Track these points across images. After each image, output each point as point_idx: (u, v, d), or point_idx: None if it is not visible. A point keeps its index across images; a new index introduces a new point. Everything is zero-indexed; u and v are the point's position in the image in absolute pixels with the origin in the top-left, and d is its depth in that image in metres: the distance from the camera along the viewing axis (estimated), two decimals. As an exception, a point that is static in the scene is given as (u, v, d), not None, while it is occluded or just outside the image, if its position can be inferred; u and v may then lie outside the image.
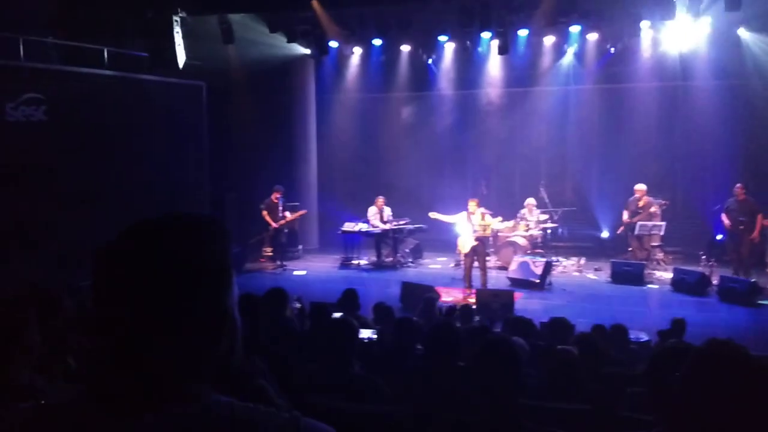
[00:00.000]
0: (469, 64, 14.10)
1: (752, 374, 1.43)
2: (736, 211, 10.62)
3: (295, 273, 12.20)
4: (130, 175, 10.29)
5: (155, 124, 10.87)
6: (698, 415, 1.44)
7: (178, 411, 0.96)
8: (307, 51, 13.83)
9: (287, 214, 12.39)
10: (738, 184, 10.72)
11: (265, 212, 12.23)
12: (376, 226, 12.60)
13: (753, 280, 9.82)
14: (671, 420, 1.47)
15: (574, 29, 12.03)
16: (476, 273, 10.34)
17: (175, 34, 10.96)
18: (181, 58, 11.13)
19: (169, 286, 0.97)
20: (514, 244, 12.14)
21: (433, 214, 10.93)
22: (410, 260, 12.90)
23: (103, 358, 1.00)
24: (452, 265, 12.13)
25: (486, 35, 12.54)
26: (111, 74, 10.21)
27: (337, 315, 4.88)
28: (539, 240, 12.43)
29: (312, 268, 12.64)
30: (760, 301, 9.61)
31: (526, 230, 12.38)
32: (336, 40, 12.96)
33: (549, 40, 13.16)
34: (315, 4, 10.91)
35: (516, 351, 2.65)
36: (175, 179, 11.19)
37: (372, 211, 12.76)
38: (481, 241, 10.32)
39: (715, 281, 10.29)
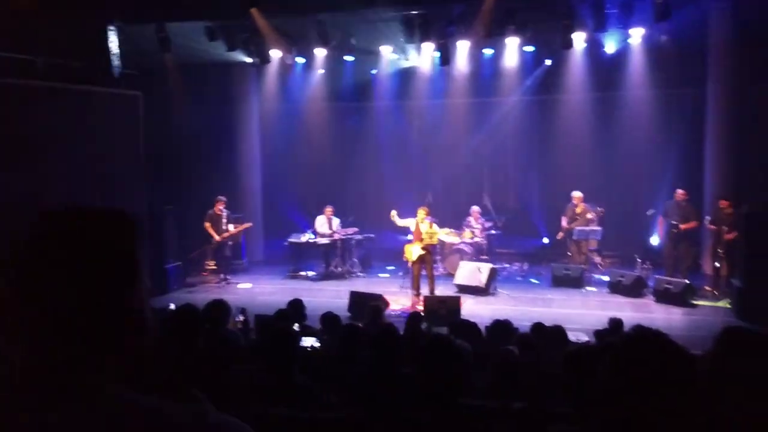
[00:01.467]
0: (411, 75, 14.27)
1: (674, 357, 1.49)
2: (674, 215, 11.04)
3: (240, 286, 11.98)
4: (63, 188, 9.92)
5: (89, 135, 10.56)
6: (621, 400, 1.48)
7: (81, 404, 0.95)
8: (249, 59, 13.70)
9: (231, 226, 12.18)
10: (680, 190, 11.11)
11: (207, 224, 11.97)
12: (324, 236, 12.55)
13: (687, 281, 10.20)
14: (592, 409, 1.51)
15: (512, 41, 12.35)
16: (424, 280, 10.42)
17: (110, 44, 10.69)
18: (117, 67, 10.86)
19: (72, 276, 0.96)
20: (460, 251, 12.30)
21: (393, 215, 10.79)
22: (359, 270, 12.89)
23: (7, 350, 0.98)
24: (401, 273, 12.18)
25: (427, 46, 12.73)
26: (44, 85, 9.87)
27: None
28: (484, 247, 12.64)
29: (258, 281, 12.44)
30: (694, 301, 10.01)
31: (472, 238, 12.58)
32: (278, 49, 12.89)
33: (488, 52, 13.46)
34: (254, 12, 10.82)
35: (459, 350, 2.68)
36: (111, 192, 10.85)
37: (320, 221, 12.70)
38: (428, 249, 10.43)
39: (650, 283, 10.67)
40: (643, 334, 1.53)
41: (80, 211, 1.02)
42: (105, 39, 10.67)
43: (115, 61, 10.82)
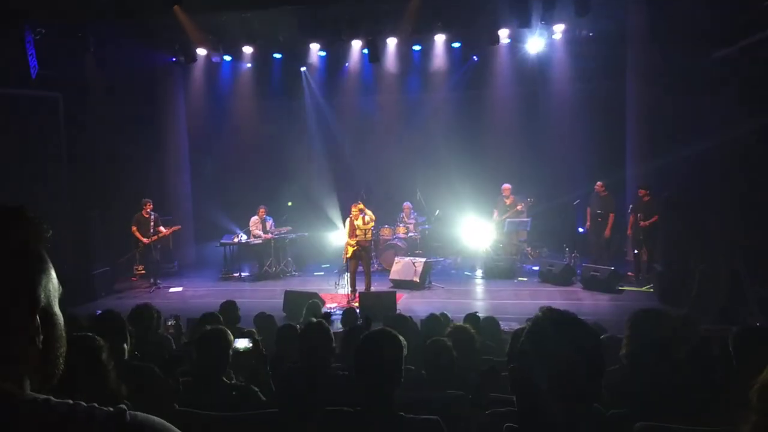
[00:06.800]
0: (341, 72, 14.24)
1: (577, 329, 1.55)
2: (595, 206, 11.45)
3: (171, 290, 11.64)
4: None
5: (6, 139, 10.04)
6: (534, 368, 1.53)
7: None
8: (174, 58, 13.30)
9: (161, 228, 11.80)
10: (599, 182, 11.52)
11: (134, 228, 11.56)
12: (258, 237, 12.35)
13: (612, 268, 10.61)
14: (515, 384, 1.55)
15: (439, 38, 12.49)
16: (360, 277, 10.41)
17: (27, 44, 10.16)
18: (34, 69, 10.32)
19: None
20: (395, 246, 12.38)
21: (345, 258, 10.62)
22: (294, 269, 12.76)
23: None
24: (336, 271, 12.15)
25: (356, 43, 12.72)
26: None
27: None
28: (418, 241, 12.77)
29: (189, 284, 12.13)
30: (619, 287, 10.42)
31: (406, 233, 12.69)
32: (204, 48, 12.57)
33: (417, 49, 13.59)
34: (177, 10, 10.51)
35: (397, 340, 2.68)
36: (30, 197, 10.34)
37: (253, 221, 12.50)
38: (364, 246, 10.42)
39: (578, 271, 11.05)
40: (549, 314, 1.59)
41: None
42: (21, 39, 10.12)
43: (32, 62, 10.28)
